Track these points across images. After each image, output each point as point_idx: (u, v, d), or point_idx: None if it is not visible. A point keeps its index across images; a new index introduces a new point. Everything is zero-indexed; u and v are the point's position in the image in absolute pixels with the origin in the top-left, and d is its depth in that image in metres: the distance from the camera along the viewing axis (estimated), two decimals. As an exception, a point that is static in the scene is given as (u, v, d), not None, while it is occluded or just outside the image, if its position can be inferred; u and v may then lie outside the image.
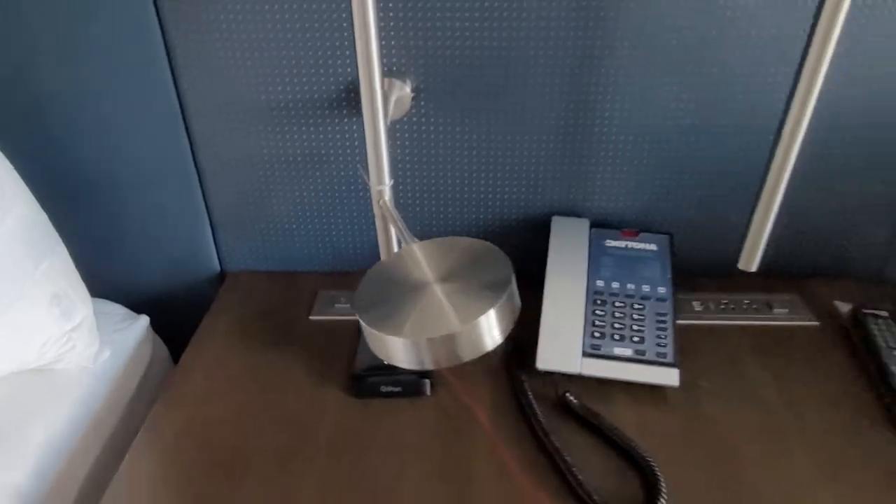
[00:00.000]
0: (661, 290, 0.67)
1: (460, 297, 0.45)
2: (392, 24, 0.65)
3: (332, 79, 0.68)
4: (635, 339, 0.63)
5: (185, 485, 0.57)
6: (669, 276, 0.68)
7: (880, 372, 0.62)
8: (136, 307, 0.81)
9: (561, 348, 0.63)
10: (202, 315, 0.76)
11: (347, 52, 0.67)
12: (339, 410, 0.63)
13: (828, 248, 0.76)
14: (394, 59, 0.67)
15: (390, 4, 0.64)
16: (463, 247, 0.50)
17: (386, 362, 0.47)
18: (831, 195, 0.72)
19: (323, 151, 0.74)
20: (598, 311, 0.65)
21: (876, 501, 0.53)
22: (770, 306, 0.73)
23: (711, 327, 0.71)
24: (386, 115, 0.55)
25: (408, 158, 0.73)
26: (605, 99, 0.68)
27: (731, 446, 0.58)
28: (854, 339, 0.68)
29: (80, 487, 0.62)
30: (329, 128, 0.72)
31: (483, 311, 0.43)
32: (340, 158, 0.74)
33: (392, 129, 0.71)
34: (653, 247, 0.71)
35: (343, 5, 0.64)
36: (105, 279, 0.80)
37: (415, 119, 0.70)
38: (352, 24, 0.49)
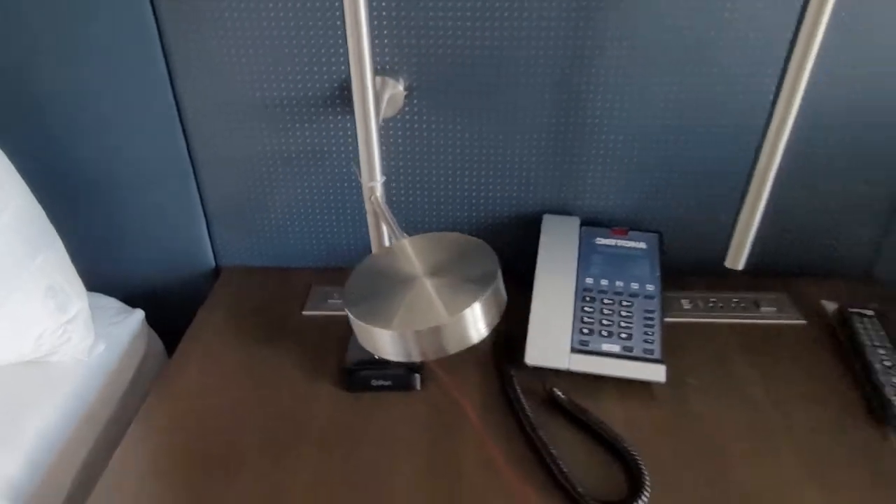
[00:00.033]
0: (650, 287, 0.68)
1: (447, 291, 0.46)
2: (385, 22, 0.65)
3: (325, 77, 0.69)
4: (623, 335, 0.64)
5: (176, 477, 0.57)
6: (658, 273, 0.69)
7: (864, 369, 0.63)
8: (132, 302, 0.81)
9: (549, 344, 0.64)
10: (197, 309, 0.77)
11: (342, 51, 0.68)
12: (330, 404, 0.64)
13: (815, 247, 0.77)
14: (387, 58, 0.67)
15: (384, 3, 0.64)
16: (451, 242, 0.50)
17: (374, 354, 0.47)
18: (817, 195, 0.73)
19: (317, 149, 0.74)
20: (586, 308, 0.66)
21: (860, 499, 0.54)
22: (758, 305, 0.73)
23: (700, 325, 0.72)
24: (378, 112, 0.56)
25: (401, 156, 0.74)
26: (595, 98, 0.68)
27: (718, 443, 0.59)
28: (840, 338, 0.69)
29: (73, 479, 0.63)
30: (324, 125, 0.73)
31: (468, 304, 0.44)
32: (335, 155, 0.75)
33: (385, 127, 0.72)
34: (642, 245, 0.72)
35: (337, 3, 0.65)
36: (101, 274, 0.81)
37: (408, 117, 0.71)
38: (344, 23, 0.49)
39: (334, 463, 0.58)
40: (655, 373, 0.62)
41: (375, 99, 0.53)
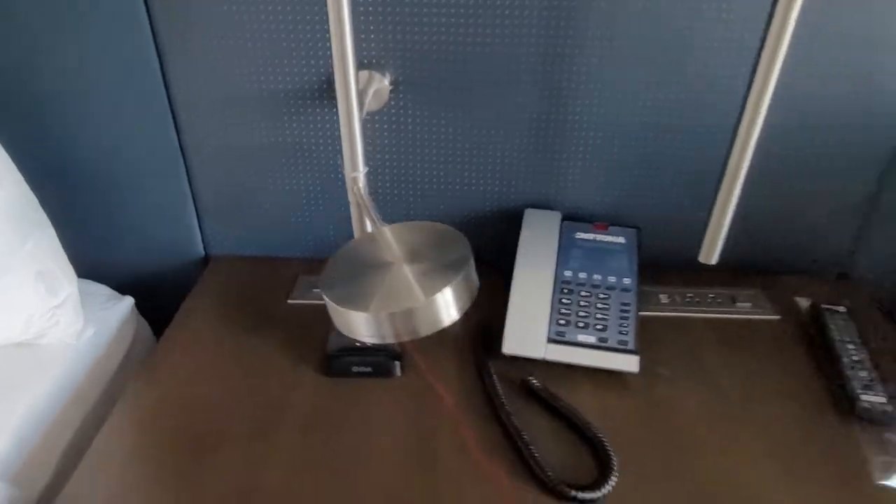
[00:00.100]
0: (627, 280, 0.69)
1: (421, 276, 0.47)
2: (371, 17, 0.67)
3: (314, 70, 0.71)
4: (599, 326, 0.66)
5: (157, 458, 0.59)
6: (636, 267, 0.71)
7: (833, 364, 0.65)
8: (123, 289, 0.83)
9: (527, 334, 0.66)
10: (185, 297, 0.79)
11: (329, 45, 0.69)
12: (312, 389, 0.66)
13: (792, 245, 0.79)
14: (373, 53, 0.69)
15: (370, -1, 0.66)
16: (426, 230, 0.52)
17: (350, 337, 0.49)
18: (794, 194, 0.74)
19: (306, 141, 0.76)
20: (564, 300, 0.68)
21: (824, 489, 0.55)
22: (734, 300, 0.75)
23: (676, 319, 0.73)
24: (361, 105, 0.57)
25: (386, 150, 0.75)
26: (575, 96, 0.70)
27: (687, 432, 0.60)
28: (812, 334, 0.70)
29: (59, 458, 0.64)
30: (311, 119, 0.74)
31: (440, 288, 0.45)
32: (322, 148, 0.76)
33: (371, 121, 0.73)
34: (621, 240, 0.73)
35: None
36: (94, 261, 0.82)
37: (393, 111, 0.72)
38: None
39: (314, 447, 0.60)
40: (629, 363, 0.63)
41: (358, 91, 0.55)
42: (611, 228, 0.75)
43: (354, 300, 0.47)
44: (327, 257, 0.85)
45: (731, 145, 0.53)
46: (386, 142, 0.75)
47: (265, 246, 0.85)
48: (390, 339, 0.47)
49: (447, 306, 0.46)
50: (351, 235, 0.62)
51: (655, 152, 0.73)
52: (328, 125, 0.74)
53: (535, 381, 0.63)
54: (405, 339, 0.47)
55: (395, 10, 0.66)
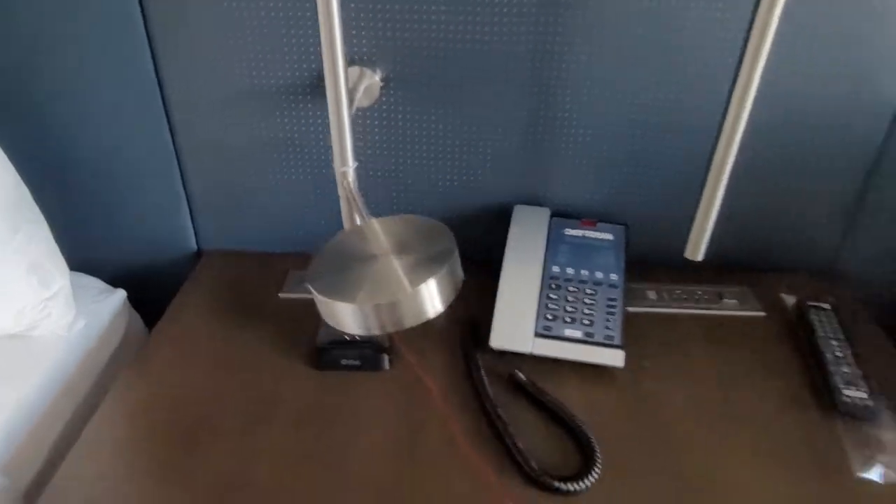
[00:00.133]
0: (614, 276, 0.70)
1: (405, 268, 0.48)
2: (363, 14, 0.67)
3: (304, 67, 0.71)
4: (585, 321, 0.66)
5: (147, 449, 0.60)
6: (623, 264, 0.71)
7: (817, 359, 0.66)
8: (116, 283, 0.83)
9: (514, 329, 0.66)
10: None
11: (320, 42, 0.70)
12: (301, 382, 0.66)
13: (779, 243, 0.80)
14: (364, 49, 0.70)
15: (362, -5, 0.67)
16: (411, 223, 0.53)
17: (336, 328, 0.49)
18: (781, 192, 0.75)
19: (298, 137, 0.76)
20: (551, 295, 0.68)
21: (805, 481, 0.56)
22: (721, 297, 0.76)
23: (663, 315, 0.74)
24: (351, 100, 0.58)
25: (377, 146, 0.76)
26: (564, 94, 0.71)
27: (671, 426, 0.61)
28: (797, 330, 0.71)
29: (49, 449, 0.65)
30: (304, 115, 0.75)
31: (424, 280, 0.46)
32: (314, 144, 0.77)
33: (362, 117, 0.74)
34: (609, 236, 0.74)
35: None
36: (87, 255, 0.83)
37: (384, 107, 0.73)
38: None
39: (302, 439, 0.60)
40: (615, 358, 0.64)
41: (347, 85, 0.55)
42: (599, 225, 0.75)
43: (341, 292, 0.48)
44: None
45: (715, 142, 0.54)
46: (377, 138, 0.75)
47: (257, 241, 0.85)
48: (376, 331, 0.47)
49: (432, 298, 0.47)
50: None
51: (644, 150, 0.73)
52: (320, 122, 0.75)
53: (521, 375, 0.64)
54: (390, 330, 0.47)
55: (386, 7, 0.67)
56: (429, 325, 0.50)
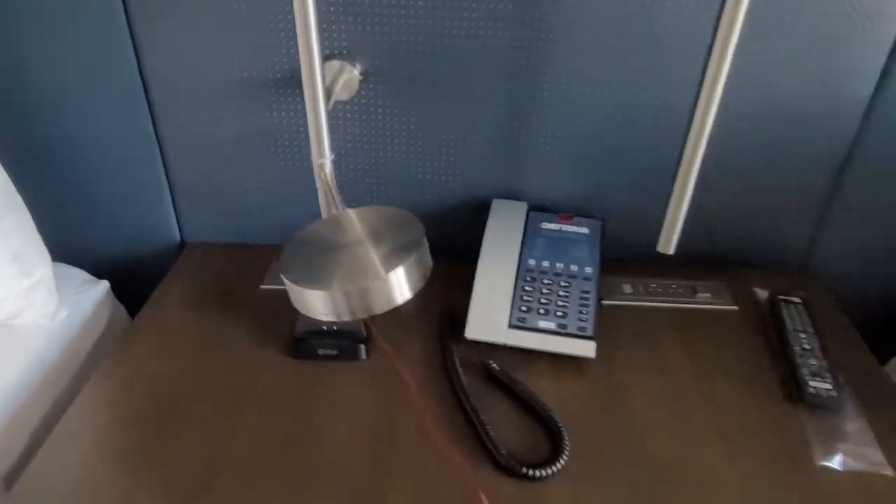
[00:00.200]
0: (588, 269, 0.71)
1: (375, 256, 0.49)
2: (342, 9, 0.68)
3: (285, 59, 0.72)
4: (559, 313, 0.67)
5: (124, 435, 0.60)
6: (598, 257, 0.73)
7: (785, 352, 0.67)
8: (100, 274, 0.84)
9: (489, 320, 0.67)
10: (160, 282, 0.80)
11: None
12: (279, 371, 0.67)
13: (754, 240, 0.81)
14: (344, 43, 0.70)
15: (340, -9, 0.68)
16: (382, 214, 0.54)
17: (308, 316, 0.50)
18: (755, 189, 0.76)
19: (281, 129, 0.77)
20: (526, 288, 0.70)
21: (768, 469, 0.57)
22: (695, 291, 0.77)
23: (638, 308, 0.75)
24: (328, 93, 0.59)
25: (357, 139, 0.77)
26: (542, 91, 0.72)
27: (640, 415, 0.62)
28: (768, 323, 0.73)
29: (27, 439, 0.65)
30: (285, 107, 0.76)
31: (394, 267, 0.47)
32: (296, 136, 0.78)
33: (341, 111, 0.75)
34: (585, 230, 0.75)
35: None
36: (71, 246, 0.84)
37: (363, 101, 0.74)
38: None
39: (277, 426, 0.61)
40: (586, 349, 0.65)
41: (323, 77, 0.56)
42: (576, 219, 0.76)
43: (312, 279, 0.49)
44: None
45: (685, 137, 0.55)
46: (357, 131, 0.76)
47: (240, 233, 0.86)
48: (346, 317, 0.48)
49: (400, 285, 0.48)
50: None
51: (621, 146, 0.75)
52: (301, 114, 0.76)
53: (494, 366, 0.65)
54: (360, 316, 0.48)
55: (366, 1, 0.68)
56: (400, 313, 0.51)
